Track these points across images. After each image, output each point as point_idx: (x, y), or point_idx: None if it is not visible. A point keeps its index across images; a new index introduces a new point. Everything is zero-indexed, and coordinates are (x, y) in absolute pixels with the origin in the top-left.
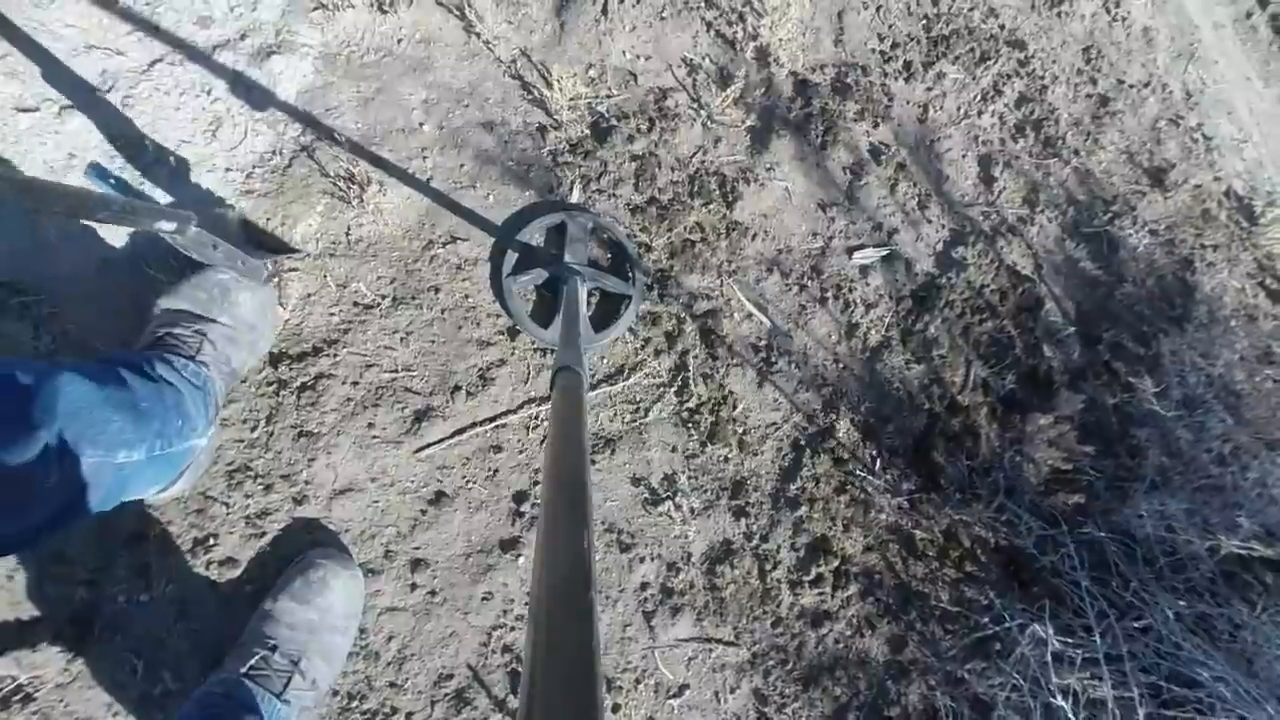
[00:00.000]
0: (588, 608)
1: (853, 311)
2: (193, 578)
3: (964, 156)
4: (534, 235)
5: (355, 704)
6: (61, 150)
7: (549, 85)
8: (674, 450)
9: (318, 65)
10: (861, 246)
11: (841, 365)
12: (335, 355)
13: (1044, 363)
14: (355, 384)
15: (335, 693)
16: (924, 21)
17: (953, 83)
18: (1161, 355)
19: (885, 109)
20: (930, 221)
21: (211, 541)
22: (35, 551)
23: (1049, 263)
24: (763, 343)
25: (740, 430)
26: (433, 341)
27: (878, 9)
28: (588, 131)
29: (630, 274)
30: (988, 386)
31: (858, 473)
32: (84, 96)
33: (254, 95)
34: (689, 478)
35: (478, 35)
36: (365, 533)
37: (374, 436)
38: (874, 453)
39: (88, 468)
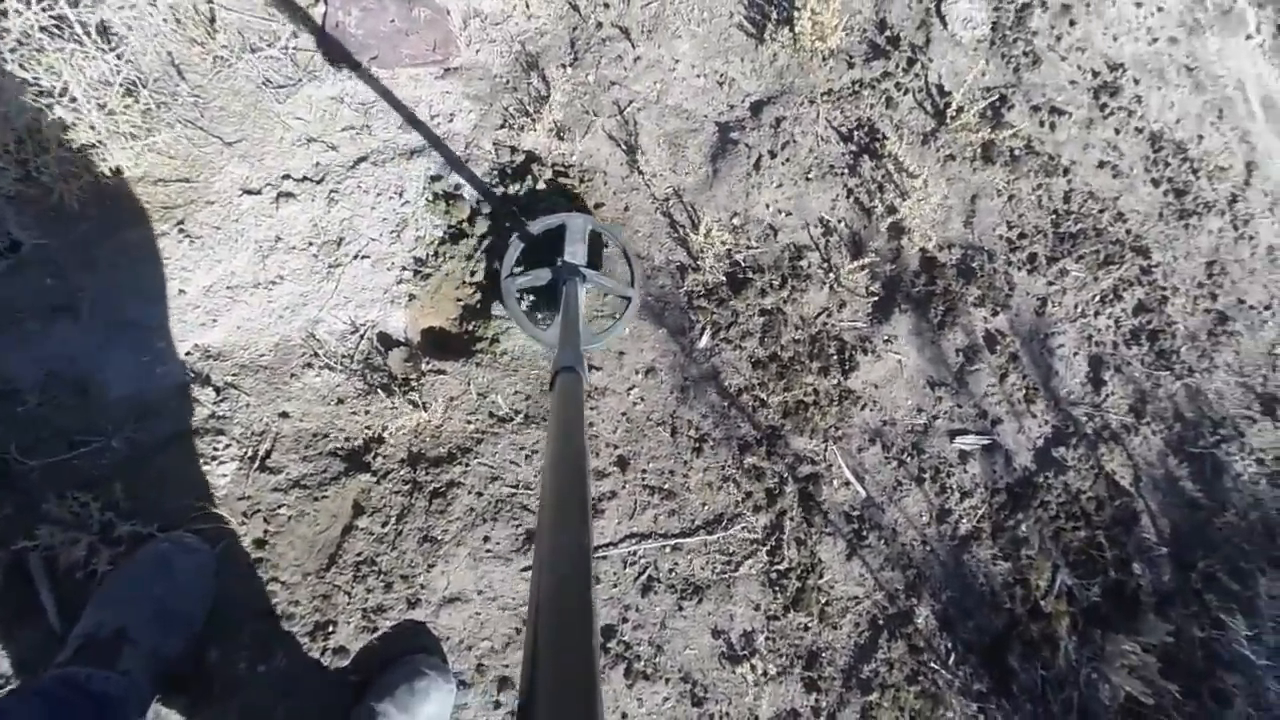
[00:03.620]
0: (588, 607)
1: (948, 497)
2: (305, 660)
3: (1076, 354)
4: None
5: None
6: (271, 233)
7: (695, 228)
8: (757, 609)
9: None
10: (965, 431)
11: (929, 549)
12: (467, 464)
13: (1133, 580)
14: (480, 494)
15: None
16: (1053, 216)
17: (1074, 280)
18: (1258, 596)
19: (1005, 297)
20: (1035, 416)
21: (330, 628)
22: None
23: (1149, 477)
24: (856, 513)
25: (824, 600)
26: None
27: (1010, 198)
28: (724, 279)
29: (631, 276)
30: (1072, 596)
31: (931, 664)
32: (298, 186)
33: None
34: (767, 639)
35: (640, 171)
36: (464, 643)
37: (488, 550)
38: (950, 645)
39: None
